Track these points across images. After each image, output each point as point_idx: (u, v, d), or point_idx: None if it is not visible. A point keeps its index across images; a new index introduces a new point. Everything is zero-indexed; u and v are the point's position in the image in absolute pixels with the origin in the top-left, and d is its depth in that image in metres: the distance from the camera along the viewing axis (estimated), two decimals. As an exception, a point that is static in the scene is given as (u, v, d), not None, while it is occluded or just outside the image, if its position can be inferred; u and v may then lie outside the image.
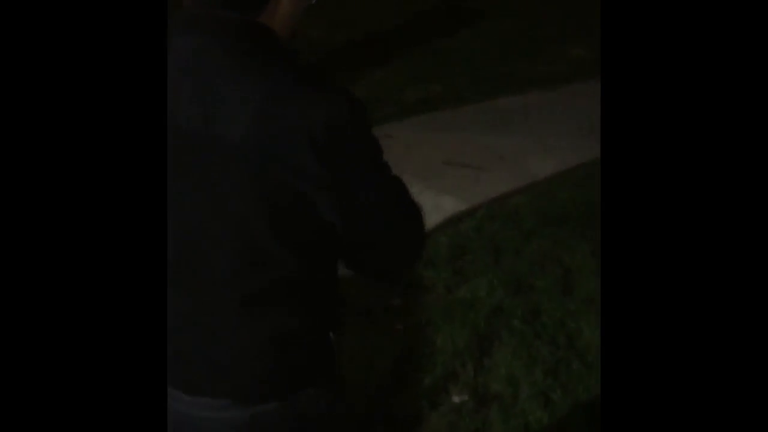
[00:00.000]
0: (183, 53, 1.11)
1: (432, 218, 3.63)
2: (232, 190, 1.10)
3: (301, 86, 1.09)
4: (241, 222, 1.11)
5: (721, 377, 0.97)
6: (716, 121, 1.00)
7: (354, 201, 1.13)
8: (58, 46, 0.99)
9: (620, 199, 1.04)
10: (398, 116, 4.82)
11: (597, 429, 2.25)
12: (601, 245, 1.17)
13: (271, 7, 1.12)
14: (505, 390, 2.52)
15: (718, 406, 0.97)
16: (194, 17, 1.11)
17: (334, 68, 5.41)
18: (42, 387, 0.95)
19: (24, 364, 0.95)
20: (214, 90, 1.08)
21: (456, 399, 2.47)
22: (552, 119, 4.79)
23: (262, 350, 1.20)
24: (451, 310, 2.92)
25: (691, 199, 1.00)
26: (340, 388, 1.31)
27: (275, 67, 1.09)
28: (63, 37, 0.99)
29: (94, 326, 0.98)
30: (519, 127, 4.72)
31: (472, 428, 2.39)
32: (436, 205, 3.75)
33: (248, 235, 1.12)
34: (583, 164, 4.03)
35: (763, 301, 0.96)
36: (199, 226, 1.14)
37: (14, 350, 0.94)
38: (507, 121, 4.82)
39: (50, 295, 0.96)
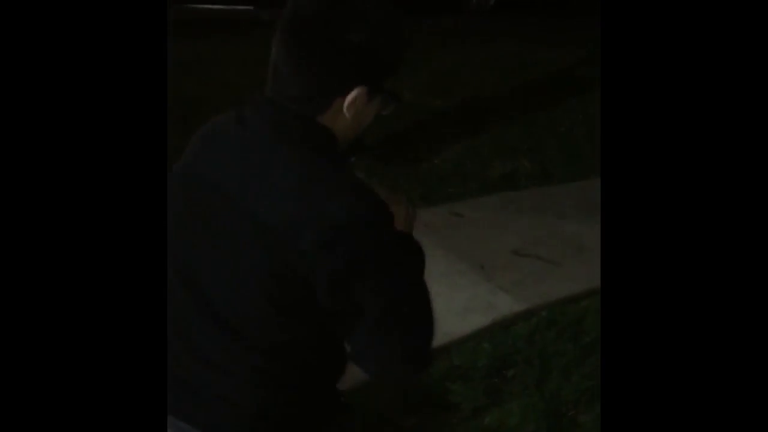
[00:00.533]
0: (244, 128, 1.23)
1: (480, 319, 3.19)
2: (245, 257, 1.19)
3: (323, 183, 1.17)
4: (249, 287, 1.20)
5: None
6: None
7: (354, 304, 1.17)
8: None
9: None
10: (478, 192, 4.41)
11: None
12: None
13: (333, 111, 1.21)
14: None
15: None
16: (264, 102, 1.22)
17: (420, 135, 5.09)
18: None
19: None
20: (258, 166, 1.18)
21: None
22: (648, 207, 4.24)
23: (260, 407, 1.27)
24: (471, 441, 2.48)
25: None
26: None
27: (312, 162, 1.18)
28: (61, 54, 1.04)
29: (94, 365, 1.02)
30: (609, 215, 4.20)
31: None
32: (490, 304, 3.30)
33: (252, 300, 1.21)
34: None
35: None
36: (210, 276, 1.24)
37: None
38: (597, 206, 4.31)
39: (52, 332, 1.00)
